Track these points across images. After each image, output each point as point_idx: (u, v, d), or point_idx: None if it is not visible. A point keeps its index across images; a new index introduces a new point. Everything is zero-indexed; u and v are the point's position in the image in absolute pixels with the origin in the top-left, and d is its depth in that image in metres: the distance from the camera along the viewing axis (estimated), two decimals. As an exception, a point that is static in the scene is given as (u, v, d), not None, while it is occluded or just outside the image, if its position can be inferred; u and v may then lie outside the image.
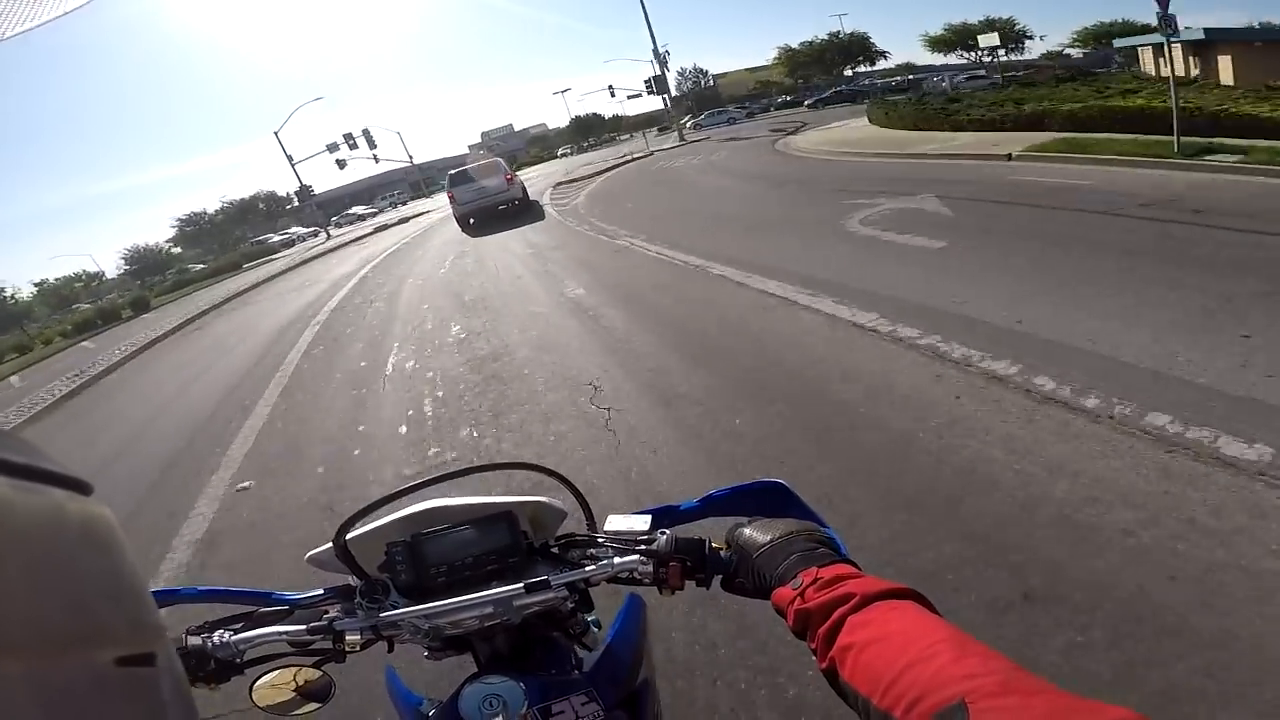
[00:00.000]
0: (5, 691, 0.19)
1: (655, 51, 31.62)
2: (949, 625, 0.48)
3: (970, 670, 0.42)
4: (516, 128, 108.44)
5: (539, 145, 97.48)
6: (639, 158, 27.50)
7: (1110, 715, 0.35)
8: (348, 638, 0.75)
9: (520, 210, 16.81)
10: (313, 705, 0.83)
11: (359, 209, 56.39)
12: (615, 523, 0.78)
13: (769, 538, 0.66)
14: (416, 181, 63.62)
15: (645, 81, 33.05)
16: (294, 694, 0.82)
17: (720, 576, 0.71)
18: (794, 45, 60.83)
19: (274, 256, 33.69)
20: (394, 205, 52.66)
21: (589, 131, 78.29)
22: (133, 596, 0.27)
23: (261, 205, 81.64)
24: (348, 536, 0.80)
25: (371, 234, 27.34)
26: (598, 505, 0.92)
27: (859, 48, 58.68)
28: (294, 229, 53.10)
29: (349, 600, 0.78)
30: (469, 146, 76.84)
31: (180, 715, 0.28)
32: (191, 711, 0.29)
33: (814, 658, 0.54)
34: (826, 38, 58.90)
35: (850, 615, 0.52)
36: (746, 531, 0.69)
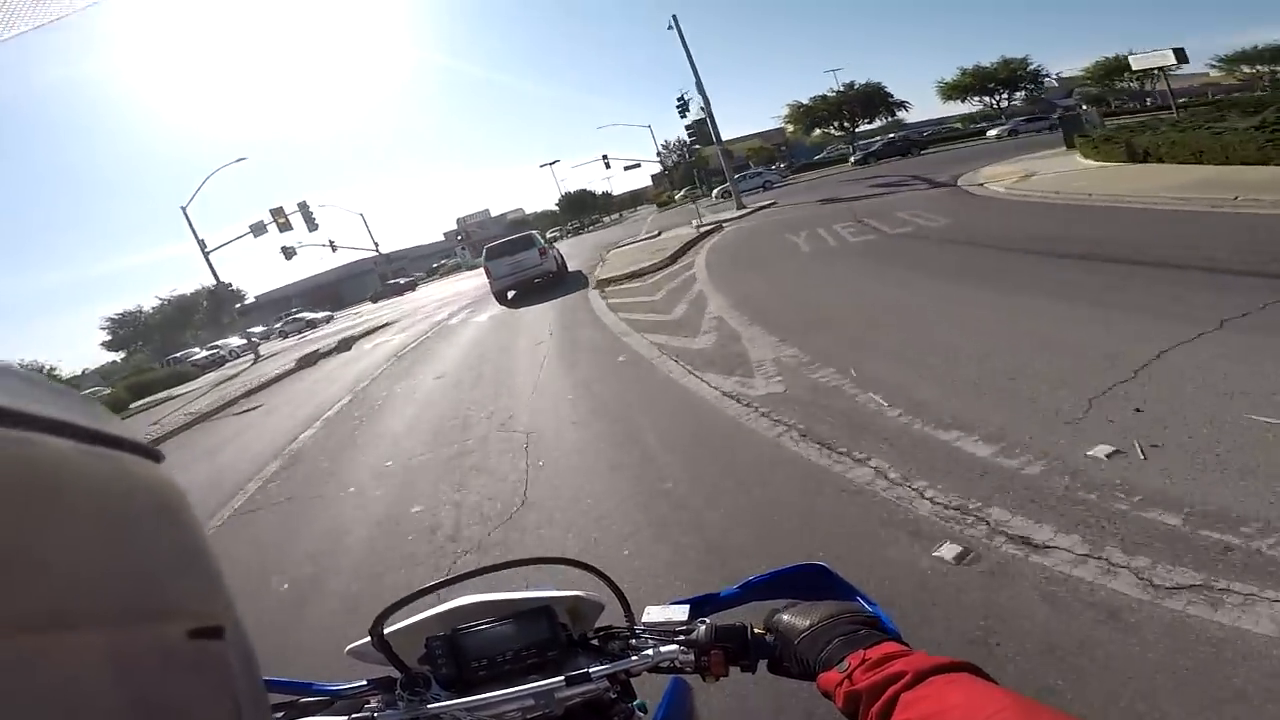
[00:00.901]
0: (80, 662, 0.19)
1: (700, 87, 23.51)
2: (1011, 693, 0.47)
3: None
4: (493, 213, 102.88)
5: (519, 230, 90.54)
6: (706, 234, 18.50)
7: None
8: None
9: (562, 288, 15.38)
10: None
11: (307, 314, 46.70)
12: (653, 614, 0.77)
13: (809, 622, 0.64)
14: (384, 273, 54.86)
15: (688, 128, 24.92)
16: None
17: (766, 660, 0.69)
18: (804, 100, 54.54)
19: (174, 392, 23.38)
20: (307, 326, 41.90)
21: (580, 210, 70.72)
22: (202, 568, 0.27)
23: (205, 303, 71.55)
24: (386, 631, 0.79)
25: (325, 353, 17.69)
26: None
27: (877, 98, 52.49)
28: (229, 340, 42.94)
29: (390, 692, 0.77)
30: (444, 234, 69.09)
31: (249, 689, 0.27)
32: (259, 686, 0.29)
33: None
34: (841, 90, 52.77)
35: (904, 693, 0.50)
36: (786, 617, 0.68)
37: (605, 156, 53.55)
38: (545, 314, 12.45)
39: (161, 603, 0.23)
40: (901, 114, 54.55)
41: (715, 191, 40.50)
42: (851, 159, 39.93)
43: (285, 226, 27.66)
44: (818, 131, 57.11)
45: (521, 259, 16.50)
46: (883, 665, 0.54)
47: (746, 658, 0.71)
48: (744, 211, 22.76)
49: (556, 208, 73.59)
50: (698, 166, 52.58)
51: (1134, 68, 21.63)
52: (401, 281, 52.61)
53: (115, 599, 0.21)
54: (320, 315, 45.72)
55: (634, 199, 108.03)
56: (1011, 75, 51.97)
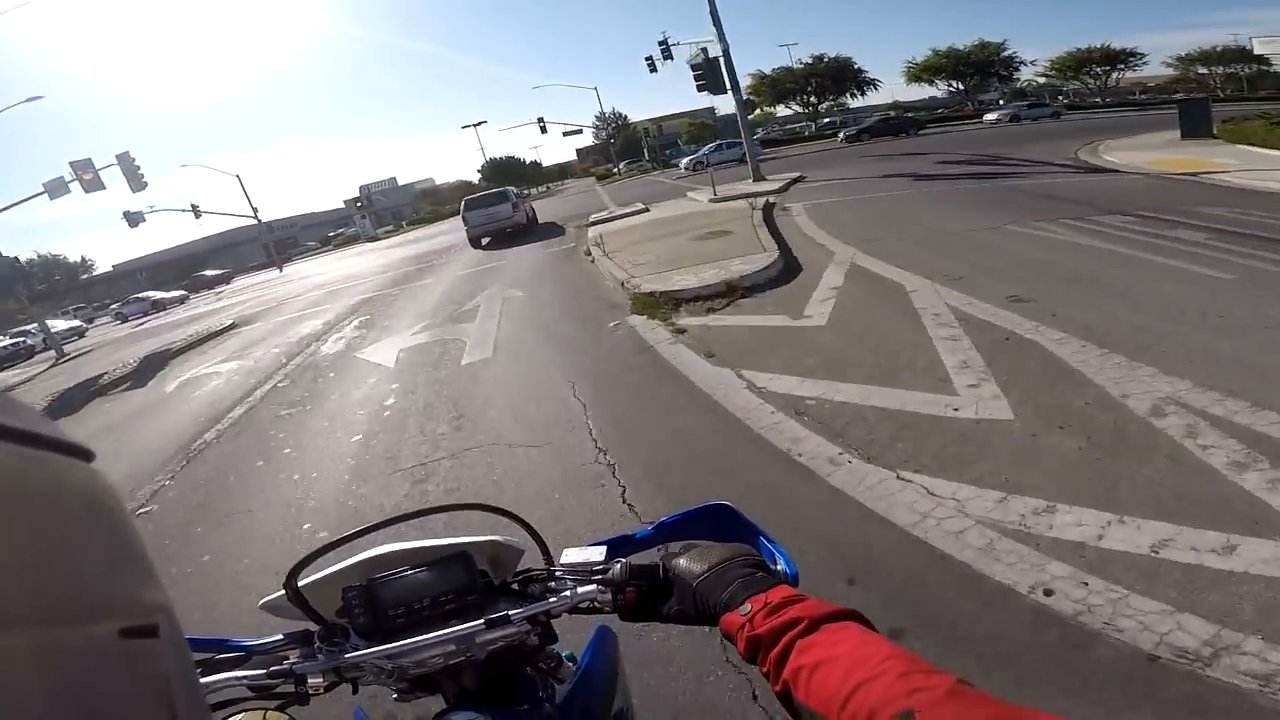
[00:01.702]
0: (8, 664, 0.19)
1: (716, 18, 16.90)
2: (892, 644, 0.50)
3: (916, 684, 0.44)
4: (400, 181, 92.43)
5: (430, 200, 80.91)
6: (766, 213, 12.14)
7: None
8: (310, 680, 0.73)
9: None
10: None
11: (155, 294, 36.13)
12: (571, 555, 0.78)
13: (706, 565, 0.66)
14: (268, 242, 44.66)
15: (695, 70, 17.95)
16: None
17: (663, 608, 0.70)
18: (767, 71, 48.91)
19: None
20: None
21: (505, 179, 62.10)
22: (135, 567, 0.26)
23: (56, 275, 57.68)
24: (301, 584, 0.77)
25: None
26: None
27: (848, 74, 47.68)
28: (53, 322, 31.98)
29: (308, 645, 0.76)
30: (344, 201, 58.84)
31: (184, 686, 0.27)
32: (195, 683, 0.29)
33: (767, 681, 0.55)
34: (809, 61, 47.50)
35: (799, 639, 0.53)
36: (682, 561, 0.69)
37: (541, 119, 46.38)
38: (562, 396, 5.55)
39: (92, 602, 0.23)
40: (870, 93, 50.24)
41: (685, 162, 34.08)
42: (842, 135, 34.82)
43: (94, 185, 18.70)
44: (780, 106, 51.70)
45: (495, 211, 18.39)
46: (781, 610, 0.56)
47: (660, 595, 0.71)
48: (775, 184, 16.49)
49: (479, 174, 64.32)
50: (654, 135, 46.07)
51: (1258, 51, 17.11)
52: (154, 296, 35.32)
53: (43, 599, 0.20)
54: (172, 295, 35.48)
55: (562, 172, 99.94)
56: (987, 60, 48.50)
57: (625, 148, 60.13)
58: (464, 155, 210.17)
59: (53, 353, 19.26)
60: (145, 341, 16.33)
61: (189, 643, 0.70)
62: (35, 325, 28.85)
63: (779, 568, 0.68)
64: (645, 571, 0.73)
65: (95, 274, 63.30)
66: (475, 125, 57.33)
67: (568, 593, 0.75)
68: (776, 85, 48.52)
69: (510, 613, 0.72)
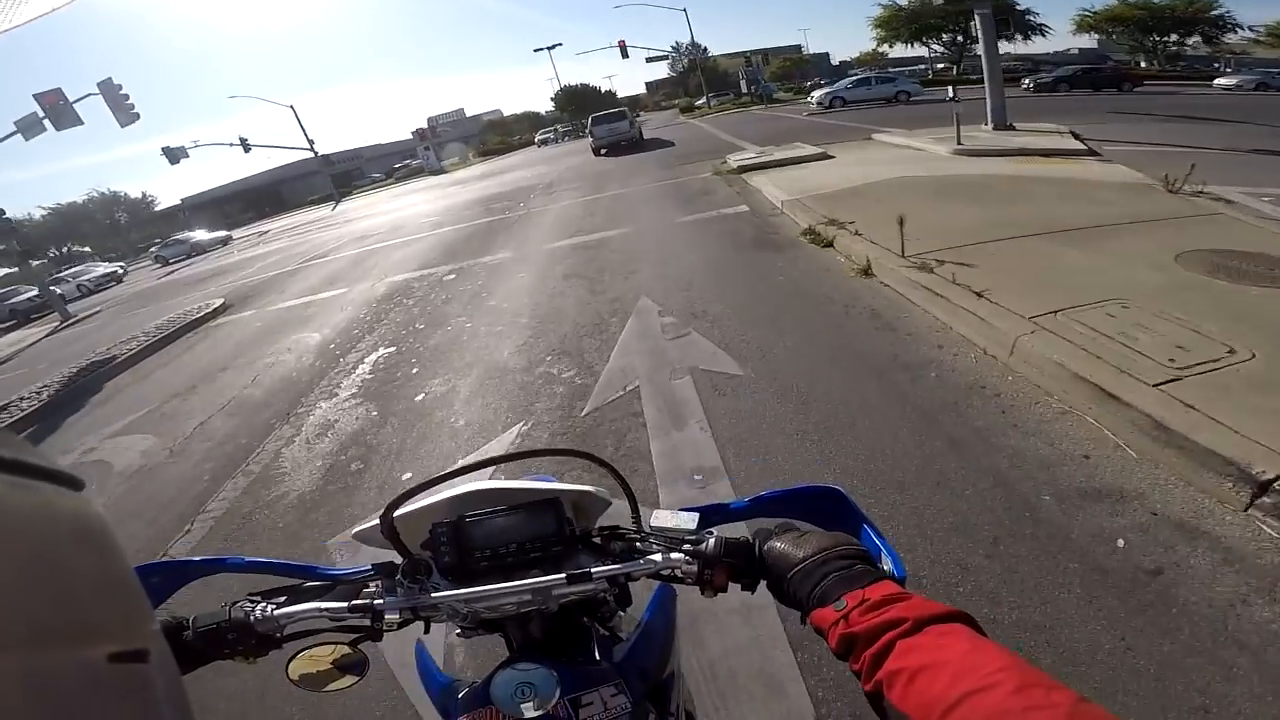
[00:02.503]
0: None
1: None
2: (1008, 652, 0.46)
3: (1033, 701, 0.40)
4: (468, 113, 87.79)
5: (497, 132, 75.51)
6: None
7: None
8: (386, 617, 0.72)
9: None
10: (347, 681, 0.80)
11: (195, 235, 32.47)
12: (661, 518, 0.75)
13: (804, 553, 0.62)
14: (332, 175, 40.72)
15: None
16: (330, 670, 0.78)
17: (766, 582, 0.67)
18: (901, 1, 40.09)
19: None
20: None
21: (583, 108, 55.58)
22: (124, 592, 0.27)
23: (117, 212, 56.03)
24: (395, 514, 0.75)
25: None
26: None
27: (1010, 16, 38.50)
28: (89, 267, 28.76)
29: (390, 578, 0.75)
30: (412, 132, 54.30)
31: (174, 712, 0.27)
32: (185, 707, 0.29)
33: (857, 680, 0.51)
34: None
35: (900, 639, 0.49)
36: (779, 545, 0.65)
37: (622, 42, 39.97)
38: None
39: (82, 627, 0.23)
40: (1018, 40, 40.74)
41: (819, 95, 27.26)
42: (1029, 82, 27.03)
43: (66, 119, 14.02)
44: (915, 45, 43.04)
45: (616, 126, 22.88)
46: (881, 609, 0.52)
47: (749, 575, 0.68)
48: (1058, 139, 10.61)
49: (552, 102, 57.90)
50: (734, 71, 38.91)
51: None
52: (195, 237, 31.25)
53: (33, 625, 0.21)
54: (215, 235, 31.81)
55: (633, 104, 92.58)
56: (1192, 17, 38.29)
57: (708, 81, 52.67)
58: (534, 86, 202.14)
59: (57, 316, 15.67)
60: (144, 309, 12.89)
61: (278, 566, 0.78)
62: (98, 267, 26.27)
63: (885, 566, 0.63)
64: (739, 549, 0.69)
65: (156, 209, 61.81)
66: (549, 48, 50.38)
67: (656, 557, 0.72)
68: (918, 19, 39.74)
69: (593, 570, 0.70)
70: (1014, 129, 12.20)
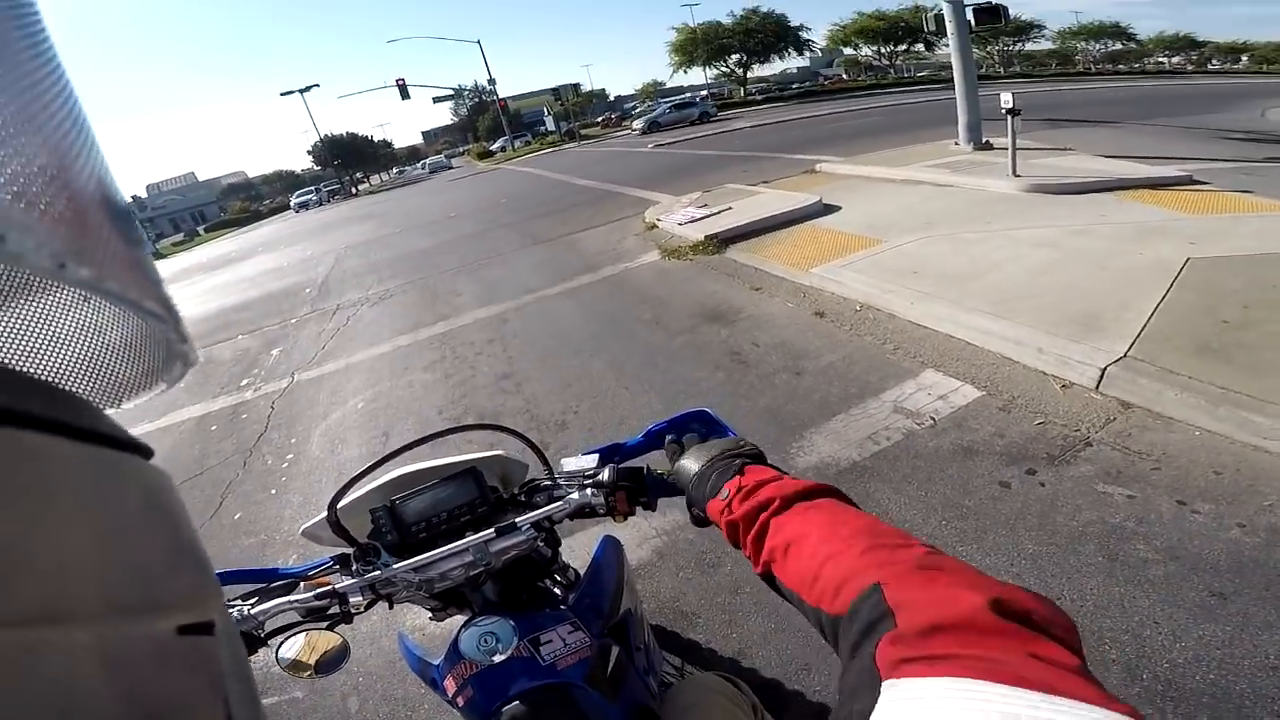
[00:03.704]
0: (72, 660, 0.19)
1: None
2: (864, 515, 0.50)
3: (883, 557, 0.43)
4: (203, 176, 75.03)
5: (242, 196, 62.86)
6: None
7: (1003, 590, 0.37)
8: (350, 599, 0.80)
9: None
10: (334, 666, 0.86)
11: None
12: (568, 464, 0.84)
13: (699, 464, 0.67)
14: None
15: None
16: (315, 657, 0.85)
17: (664, 499, 0.78)
18: (692, 25, 39.04)
19: None
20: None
21: (350, 161, 46.38)
22: (192, 564, 0.26)
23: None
24: (338, 507, 0.85)
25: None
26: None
27: (785, 33, 39.23)
28: None
29: (347, 567, 0.84)
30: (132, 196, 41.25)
31: (239, 684, 0.27)
32: (250, 680, 0.29)
33: (751, 564, 0.54)
34: (744, 15, 38.31)
35: (773, 518, 0.53)
36: (683, 462, 0.70)
37: (402, 81, 33.48)
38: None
39: (152, 599, 0.23)
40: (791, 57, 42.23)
41: (639, 124, 27.67)
42: (639, 124, 29.90)
43: None
44: (708, 68, 42.27)
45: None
46: (755, 491, 0.56)
47: (645, 495, 0.78)
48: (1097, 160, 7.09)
49: (310, 158, 47.99)
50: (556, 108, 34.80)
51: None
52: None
53: (105, 596, 0.21)
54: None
55: (412, 155, 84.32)
56: (919, 25, 42.51)
57: (494, 126, 47.70)
58: (287, 139, 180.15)
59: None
60: None
61: (243, 573, 0.86)
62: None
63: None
64: (631, 474, 0.78)
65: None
66: (302, 91, 40.02)
67: (573, 496, 0.81)
68: (709, 40, 38.71)
69: (516, 520, 0.80)
70: (992, 147, 8.77)
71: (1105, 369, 2.75)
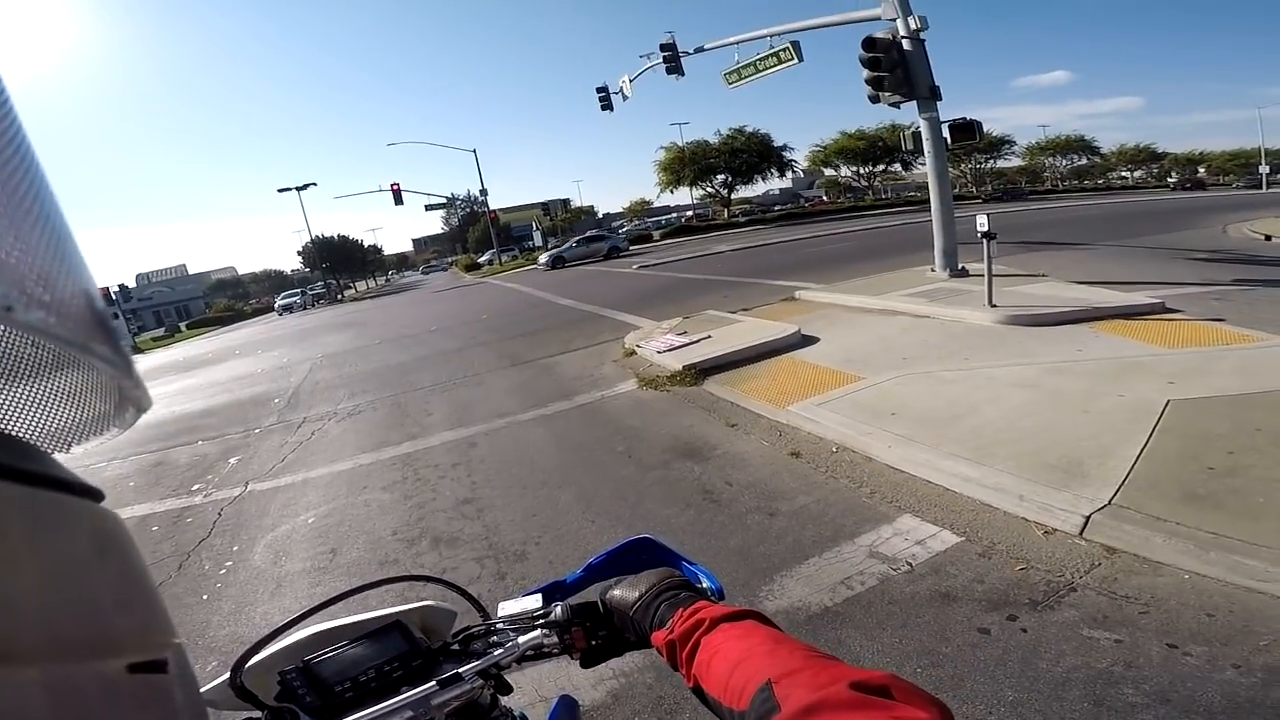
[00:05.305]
0: (20, 697, 0.19)
1: None
2: (773, 631, 0.57)
3: (779, 661, 0.49)
4: (193, 269, 76.32)
5: (228, 293, 63.77)
6: None
7: (865, 674, 0.43)
8: None
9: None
10: None
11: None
12: (508, 607, 0.79)
13: (638, 593, 0.69)
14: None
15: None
16: None
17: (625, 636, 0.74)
18: (681, 144, 41.87)
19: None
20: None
21: (340, 265, 47.45)
22: (144, 603, 0.27)
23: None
24: (244, 669, 0.77)
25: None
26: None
27: (770, 153, 42.20)
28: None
29: None
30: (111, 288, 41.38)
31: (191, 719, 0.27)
32: (203, 716, 0.29)
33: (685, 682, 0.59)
34: (730, 134, 41.30)
35: (704, 637, 0.58)
36: (616, 593, 0.72)
37: (396, 186, 35.06)
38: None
39: (102, 638, 0.23)
40: (773, 179, 45.24)
41: (544, 259, 27.45)
42: (545, 259, 29.21)
43: None
44: (695, 189, 44.87)
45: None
46: (693, 615, 0.62)
47: (604, 629, 0.74)
48: (1037, 283, 7.41)
49: (300, 259, 48.97)
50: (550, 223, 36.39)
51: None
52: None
53: (53, 634, 0.21)
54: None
55: (400, 262, 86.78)
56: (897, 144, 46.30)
57: (483, 237, 49.66)
58: (279, 238, 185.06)
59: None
60: None
61: None
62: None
63: (703, 585, 0.72)
64: (586, 609, 0.75)
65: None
66: (299, 188, 41.16)
67: (514, 642, 0.75)
68: (696, 159, 41.41)
69: (461, 670, 0.72)
70: (968, 273, 9.10)
71: (1090, 516, 2.67)
